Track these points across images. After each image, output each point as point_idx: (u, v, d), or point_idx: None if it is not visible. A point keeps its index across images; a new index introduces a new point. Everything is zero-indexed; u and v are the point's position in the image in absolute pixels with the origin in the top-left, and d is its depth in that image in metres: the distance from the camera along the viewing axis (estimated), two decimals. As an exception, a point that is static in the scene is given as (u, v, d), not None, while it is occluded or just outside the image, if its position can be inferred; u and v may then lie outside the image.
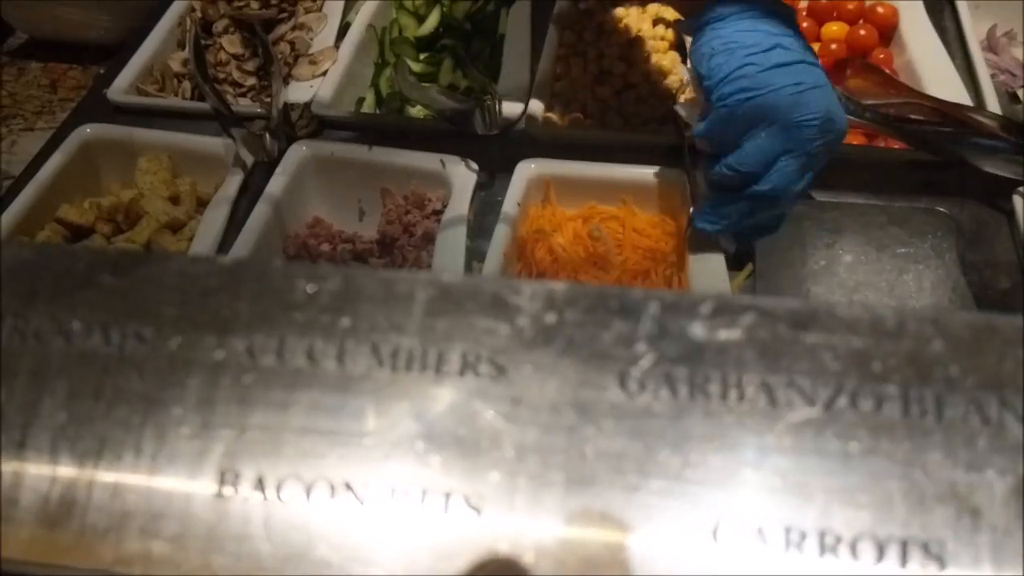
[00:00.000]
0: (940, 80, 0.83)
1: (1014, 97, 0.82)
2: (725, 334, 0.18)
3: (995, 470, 0.17)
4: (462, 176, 0.76)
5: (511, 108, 0.82)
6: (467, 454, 0.18)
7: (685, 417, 0.18)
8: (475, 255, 0.72)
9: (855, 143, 0.81)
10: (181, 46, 0.90)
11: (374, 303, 0.19)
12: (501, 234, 0.71)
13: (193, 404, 0.18)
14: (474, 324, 0.19)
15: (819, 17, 0.92)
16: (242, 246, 0.70)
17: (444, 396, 0.18)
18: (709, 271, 0.69)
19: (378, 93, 0.90)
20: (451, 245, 0.71)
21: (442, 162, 0.77)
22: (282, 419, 0.18)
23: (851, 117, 0.78)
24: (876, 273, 0.75)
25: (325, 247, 0.76)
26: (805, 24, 0.92)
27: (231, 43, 0.90)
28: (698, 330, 0.18)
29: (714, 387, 0.18)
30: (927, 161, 0.76)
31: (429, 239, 0.75)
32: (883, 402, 0.17)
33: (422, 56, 0.93)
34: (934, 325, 0.18)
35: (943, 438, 0.17)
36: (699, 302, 0.18)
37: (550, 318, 0.19)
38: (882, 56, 0.88)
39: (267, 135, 0.75)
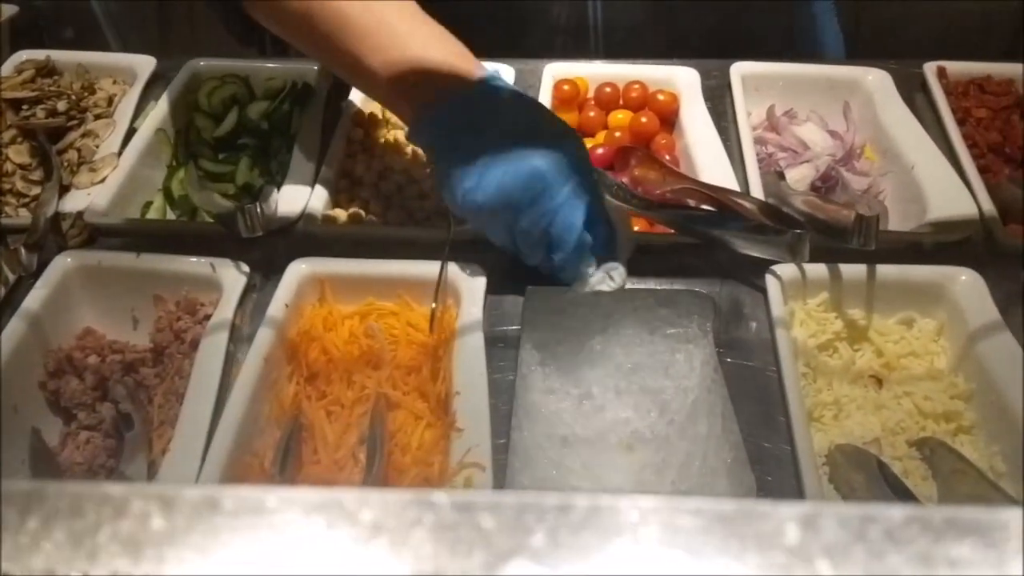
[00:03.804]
0: (712, 165, 0.86)
1: (780, 175, 0.85)
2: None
3: None
4: (232, 279, 0.76)
5: (293, 206, 0.82)
6: None
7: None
8: (238, 361, 0.71)
9: (637, 229, 0.83)
10: (-37, 159, 0.89)
11: None
12: (262, 338, 0.71)
13: None
14: None
15: (605, 106, 0.95)
16: (-10, 365, 0.68)
17: None
18: (469, 361, 0.70)
19: (169, 196, 0.90)
20: (211, 352, 0.70)
21: (212, 266, 0.76)
22: None
23: (621, 204, 0.80)
24: (650, 355, 0.76)
25: (93, 359, 0.74)
26: (592, 113, 0.95)
27: (18, 153, 0.89)
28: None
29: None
30: (692, 245, 0.78)
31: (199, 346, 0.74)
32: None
33: (221, 156, 0.93)
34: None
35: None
36: None
37: None
38: (664, 141, 0.91)
39: (22, 249, 0.74)
